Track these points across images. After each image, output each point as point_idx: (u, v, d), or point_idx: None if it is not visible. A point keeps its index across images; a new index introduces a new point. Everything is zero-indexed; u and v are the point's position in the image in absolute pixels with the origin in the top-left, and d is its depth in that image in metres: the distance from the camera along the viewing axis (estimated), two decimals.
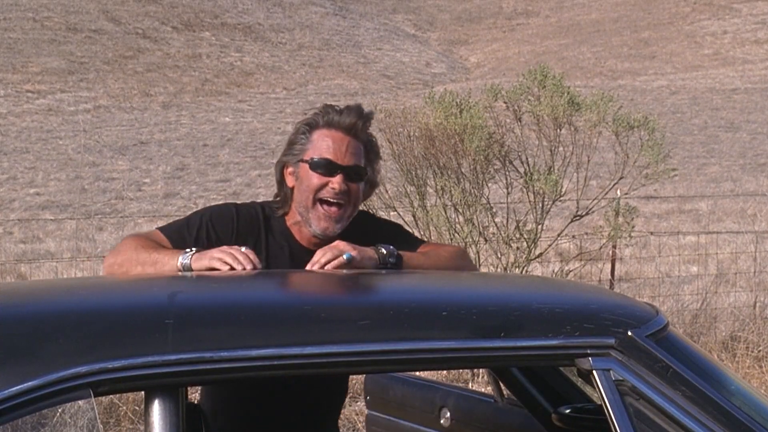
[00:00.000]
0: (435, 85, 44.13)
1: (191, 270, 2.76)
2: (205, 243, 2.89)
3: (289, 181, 3.02)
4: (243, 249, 2.76)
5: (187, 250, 2.80)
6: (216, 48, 60.59)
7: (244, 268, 2.72)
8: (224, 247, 2.77)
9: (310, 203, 2.96)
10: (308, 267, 2.85)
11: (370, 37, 68.96)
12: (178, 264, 2.77)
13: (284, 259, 2.97)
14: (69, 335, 2.09)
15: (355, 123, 2.97)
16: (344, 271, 2.82)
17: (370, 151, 3.04)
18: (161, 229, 2.97)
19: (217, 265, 2.73)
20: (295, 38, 65.27)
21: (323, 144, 2.96)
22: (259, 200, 3.17)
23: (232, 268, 2.72)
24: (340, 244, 2.86)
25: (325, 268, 2.80)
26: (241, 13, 67.17)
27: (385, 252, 2.91)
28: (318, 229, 2.96)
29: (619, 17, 71.36)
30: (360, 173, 2.99)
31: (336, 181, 2.94)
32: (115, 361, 2.04)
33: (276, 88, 54.42)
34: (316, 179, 2.95)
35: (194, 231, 2.93)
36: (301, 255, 2.98)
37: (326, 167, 2.94)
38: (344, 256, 2.82)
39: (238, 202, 3.14)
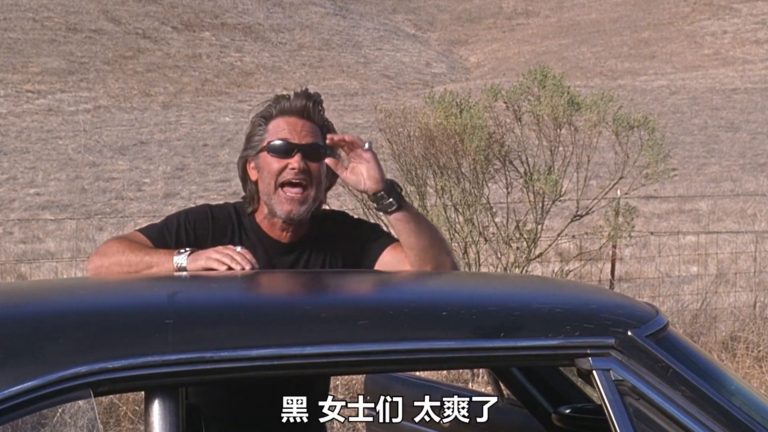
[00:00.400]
0: (435, 85, 44.12)
1: (186, 270, 2.76)
2: (184, 244, 2.90)
3: (253, 175, 3.03)
4: (239, 248, 2.77)
5: (182, 250, 2.80)
6: (216, 48, 60.58)
7: (243, 268, 2.72)
8: (220, 248, 2.78)
9: (272, 189, 2.97)
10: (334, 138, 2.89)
11: (370, 37, 68.96)
12: (174, 265, 2.77)
13: (260, 256, 2.95)
14: (69, 335, 2.09)
15: (305, 105, 3.00)
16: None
17: (325, 130, 3.04)
18: (141, 231, 2.97)
19: (214, 265, 2.73)
20: (295, 38, 65.27)
21: (278, 130, 2.99)
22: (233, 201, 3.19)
23: (230, 268, 2.72)
24: (352, 137, 2.91)
25: (254, 265, 2.78)
26: (241, 13, 67.17)
27: (391, 184, 2.94)
28: (282, 213, 2.96)
29: (619, 17, 71.35)
30: (318, 151, 2.98)
31: (295, 161, 2.94)
32: (115, 361, 2.04)
33: (276, 88, 54.37)
34: (275, 163, 2.96)
35: (173, 232, 2.94)
36: (275, 249, 3.00)
37: (283, 149, 2.96)
38: (366, 145, 2.88)
39: (212, 204, 3.17)
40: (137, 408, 6.78)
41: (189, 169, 30.63)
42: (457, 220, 8.79)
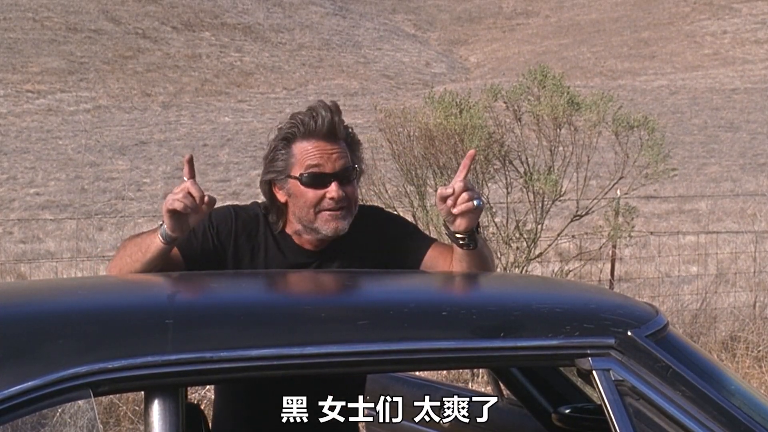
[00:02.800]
0: (435, 85, 44.12)
1: (169, 235, 2.71)
2: (209, 245, 2.87)
3: (280, 196, 2.92)
4: (188, 181, 2.69)
5: (160, 223, 2.75)
6: (216, 48, 60.59)
7: (195, 201, 2.67)
8: (174, 192, 2.72)
9: (312, 216, 2.87)
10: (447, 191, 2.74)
11: (370, 37, 68.95)
12: (159, 238, 2.73)
13: (282, 261, 2.93)
14: (69, 335, 2.09)
15: (332, 124, 2.87)
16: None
17: (351, 144, 2.94)
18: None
19: (175, 206, 2.68)
20: (295, 38, 65.27)
21: (307, 157, 2.86)
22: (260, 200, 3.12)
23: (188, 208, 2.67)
24: (464, 187, 2.76)
25: (457, 209, 2.72)
26: (241, 13, 67.17)
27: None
28: (329, 231, 2.88)
29: (619, 17, 71.35)
30: (351, 174, 2.90)
31: (332, 191, 2.85)
32: (115, 361, 2.04)
33: (276, 88, 54.44)
34: (311, 194, 2.86)
35: (199, 234, 2.89)
36: (300, 256, 2.95)
37: (318, 180, 2.85)
38: (475, 202, 2.75)
39: (239, 203, 3.11)
40: (137, 408, 6.78)
41: None
42: None
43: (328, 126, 2.85)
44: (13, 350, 2.04)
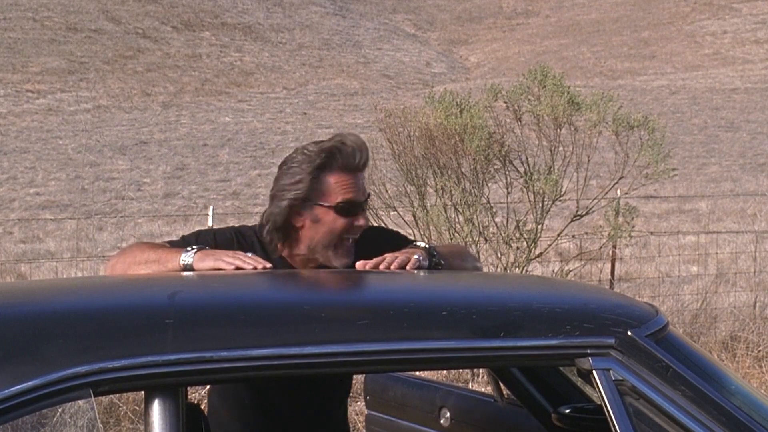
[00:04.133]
0: (435, 85, 44.13)
1: (192, 269, 2.77)
2: None
3: (298, 221, 2.99)
4: (250, 254, 2.79)
5: (188, 248, 2.81)
6: (216, 48, 60.59)
7: (255, 268, 2.74)
8: (230, 252, 2.80)
9: (336, 242, 2.98)
10: (369, 266, 2.88)
11: (370, 37, 68.96)
12: (180, 262, 2.78)
13: None
14: (69, 335, 2.09)
15: (365, 159, 3.01)
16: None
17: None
18: (170, 242, 2.98)
19: (222, 266, 2.74)
20: (295, 38, 65.27)
21: (345, 188, 2.98)
22: (258, 212, 3.23)
23: (239, 269, 2.74)
24: (409, 252, 2.93)
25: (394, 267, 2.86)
26: (241, 13, 67.17)
27: (427, 246, 3.02)
28: (339, 264, 2.99)
29: (619, 17, 71.36)
30: (368, 201, 3.08)
31: (362, 219, 3.00)
32: (115, 361, 2.04)
33: (276, 88, 54.44)
34: (341, 222, 2.97)
35: (206, 244, 2.94)
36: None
37: (352, 209, 2.98)
38: (414, 257, 2.90)
39: (236, 225, 3.20)
40: (137, 408, 6.78)
41: (189, 168, 30.63)
42: (457, 220, 8.79)
43: (364, 161, 3.01)
44: (13, 350, 2.04)
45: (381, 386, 4.08)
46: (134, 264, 2.83)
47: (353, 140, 3.00)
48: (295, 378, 2.98)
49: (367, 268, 2.84)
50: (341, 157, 2.96)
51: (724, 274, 10.97)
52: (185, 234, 3.06)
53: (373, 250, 2.99)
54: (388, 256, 2.89)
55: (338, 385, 3.16)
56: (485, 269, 8.65)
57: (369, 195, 3.08)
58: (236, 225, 3.19)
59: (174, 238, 3.09)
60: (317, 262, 3.02)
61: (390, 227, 3.64)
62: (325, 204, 2.96)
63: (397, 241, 3.13)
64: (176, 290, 2.48)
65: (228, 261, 2.75)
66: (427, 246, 3.03)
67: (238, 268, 2.73)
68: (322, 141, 3.03)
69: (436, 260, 2.98)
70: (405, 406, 4.00)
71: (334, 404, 3.17)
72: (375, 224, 3.57)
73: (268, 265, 2.79)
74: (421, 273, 2.93)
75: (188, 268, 2.78)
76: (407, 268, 2.87)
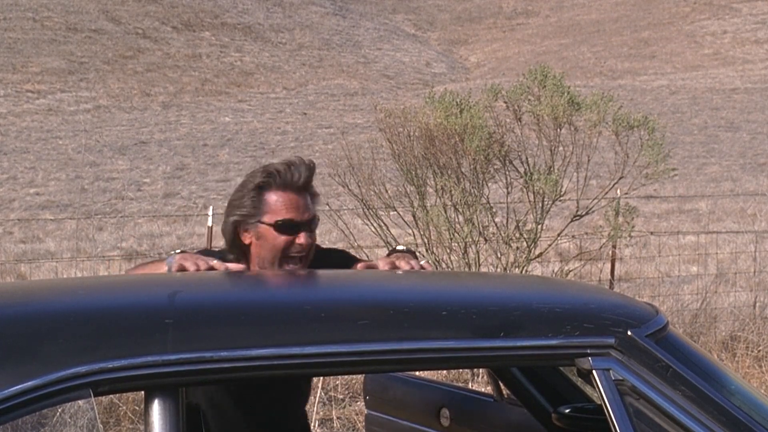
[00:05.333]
0: (435, 85, 44.11)
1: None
2: None
3: (245, 238, 3.11)
4: (214, 261, 2.85)
5: (172, 252, 2.91)
6: (216, 48, 60.58)
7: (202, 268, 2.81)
8: (188, 254, 2.88)
9: (277, 261, 3.07)
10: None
11: (370, 37, 68.95)
12: (166, 266, 2.87)
13: None
14: (69, 335, 2.09)
15: (307, 179, 3.11)
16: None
17: (313, 197, 3.17)
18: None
19: (187, 266, 2.82)
20: (295, 38, 65.26)
21: (281, 206, 3.08)
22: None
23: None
24: (408, 257, 3.00)
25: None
26: (241, 13, 67.16)
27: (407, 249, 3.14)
28: None
29: (619, 17, 71.34)
30: (316, 223, 3.14)
31: (303, 238, 3.07)
32: (115, 361, 2.04)
33: (276, 88, 54.43)
34: (281, 240, 3.06)
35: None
36: None
37: (291, 228, 3.06)
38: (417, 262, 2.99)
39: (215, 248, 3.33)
40: (137, 408, 6.78)
41: (189, 169, 30.63)
42: (457, 220, 8.79)
43: (304, 181, 3.10)
44: (13, 350, 2.04)
45: (381, 386, 4.08)
46: None
47: (299, 161, 3.12)
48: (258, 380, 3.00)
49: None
50: (280, 176, 3.08)
51: (724, 274, 10.97)
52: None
53: (313, 262, 3.12)
54: (387, 263, 2.97)
55: (295, 390, 3.24)
56: (485, 269, 8.66)
57: (315, 216, 3.13)
58: (203, 249, 3.34)
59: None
60: None
61: (344, 248, 3.73)
62: (266, 222, 3.07)
63: (338, 258, 3.23)
64: (176, 290, 2.48)
65: (181, 264, 2.82)
66: (407, 249, 3.13)
67: (180, 269, 2.80)
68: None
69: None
70: (405, 406, 4.00)
71: (292, 409, 3.25)
72: (331, 246, 3.67)
73: (214, 261, 2.84)
74: (421, 273, 2.93)
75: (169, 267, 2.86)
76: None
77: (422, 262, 3.03)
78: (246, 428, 3.14)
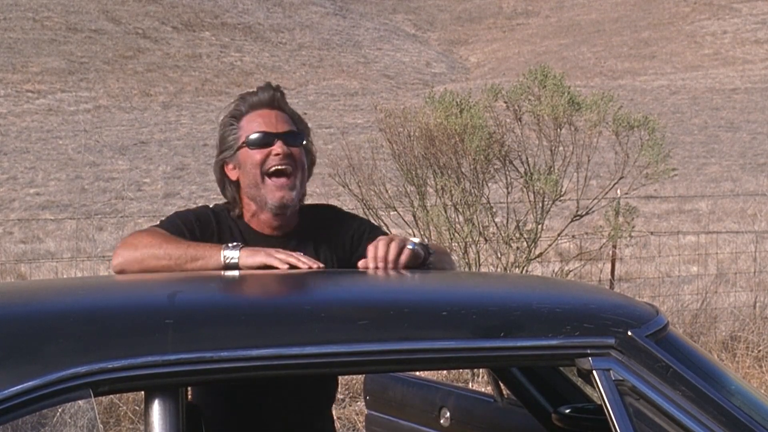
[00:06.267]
0: (435, 85, 44.10)
1: (237, 266, 2.74)
2: (198, 239, 2.91)
3: (233, 175, 3.01)
4: (302, 254, 2.76)
5: (230, 244, 2.79)
6: (216, 48, 60.59)
7: (310, 268, 2.72)
8: (282, 250, 2.77)
9: (259, 179, 2.95)
10: (369, 264, 2.80)
11: (370, 37, 68.96)
12: (222, 258, 2.75)
13: None
14: (69, 335, 2.09)
15: (273, 95, 3.01)
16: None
17: (298, 122, 3.06)
18: (159, 226, 2.95)
19: (275, 263, 2.72)
20: (295, 38, 65.27)
21: (253, 123, 2.98)
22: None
23: (291, 267, 2.71)
24: (392, 236, 2.86)
25: (400, 262, 2.77)
26: (241, 13, 67.17)
27: (419, 241, 2.92)
28: (274, 201, 2.95)
29: (619, 17, 71.35)
30: (297, 137, 3.00)
31: (278, 147, 2.94)
32: (115, 361, 2.04)
33: None
34: (257, 155, 2.95)
35: (189, 227, 2.94)
36: (268, 245, 2.93)
37: (263, 139, 2.95)
38: (409, 246, 2.81)
39: (210, 205, 3.16)
40: (137, 408, 6.78)
41: (189, 168, 30.64)
42: (457, 220, 8.79)
43: (270, 97, 3.00)
44: (13, 350, 2.04)
45: (381, 386, 4.08)
46: (152, 259, 2.78)
47: (265, 85, 3.06)
48: (280, 380, 2.96)
49: (370, 264, 2.78)
50: (245, 100, 3.02)
51: (724, 274, 10.97)
52: (163, 219, 3.03)
53: (329, 228, 3.02)
54: (382, 241, 2.81)
55: (321, 390, 3.10)
56: (485, 269, 8.65)
57: (294, 131, 3.00)
58: (206, 205, 3.18)
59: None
60: (269, 216, 2.98)
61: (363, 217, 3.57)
62: (241, 145, 2.98)
63: (358, 227, 3.08)
64: (176, 290, 2.48)
65: (281, 258, 2.72)
66: (420, 241, 2.96)
67: (292, 267, 2.71)
68: None
69: (425, 251, 2.90)
70: (405, 406, 4.00)
71: (317, 410, 3.10)
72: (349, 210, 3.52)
73: (321, 264, 2.76)
74: (421, 273, 2.92)
75: (232, 265, 2.75)
76: (402, 256, 2.79)
77: (414, 240, 2.88)
78: (268, 430, 3.02)
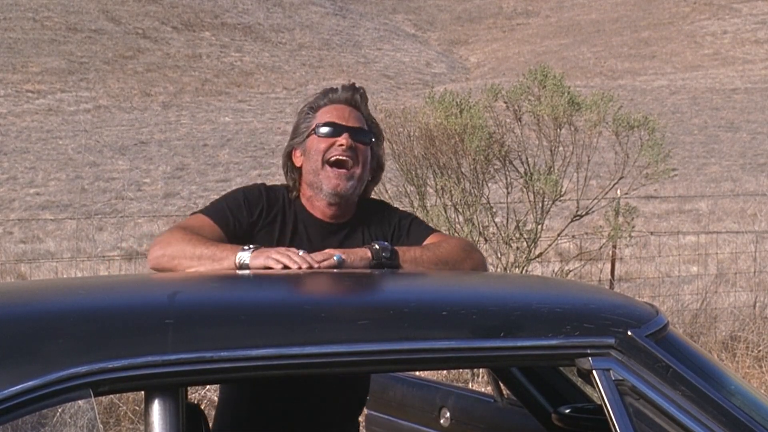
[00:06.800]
0: (435, 85, 44.10)
1: (248, 267, 2.77)
2: (242, 222, 2.98)
3: (298, 161, 3.10)
4: (301, 252, 2.79)
5: (245, 247, 2.82)
6: (216, 48, 60.59)
7: (300, 268, 2.74)
8: (281, 248, 2.81)
9: (319, 165, 3.03)
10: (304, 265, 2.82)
11: (370, 37, 68.96)
12: (236, 260, 2.79)
13: (305, 236, 3.05)
14: (69, 335, 2.09)
15: (353, 95, 3.11)
16: (335, 270, 2.82)
17: (372, 125, 3.15)
18: (202, 212, 3.02)
19: (271, 264, 2.75)
20: (295, 38, 65.27)
21: (326, 114, 3.08)
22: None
23: (286, 267, 2.74)
24: (329, 249, 2.88)
25: (317, 266, 2.79)
26: (241, 13, 67.16)
27: (378, 248, 2.90)
28: (329, 188, 3.02)
29: (619, 17, 71.35)
30: (366, 135, 3.08)
31: (342, 138, 3.02)
32: (115, 361, 2.04)
33: (276, 88, 54.45)
34: (323, 143, 3.03)
35: (235, 211, 3.00)
36: (322, 229, 3.06)
37: (332, 129, 3.04)
38: (334, 258, 2.83)
39: (268, 184, 3.22)
40: (137, 408, 6.78)
41: (189, 169, 30.64)
42: (457, 220, 8.79)
43: (350, 95, 3.11)
44: (13, 350, 2.04)
45: (381, 386, 4.08)
46: (183, 259, 2.83)
47: (350, 84, 3.15)
48: (307, 385, 2.97)
49: (304, 267, 2.77)
50: (327, 95, 3.12)
51: (724, 274, 10.97)
52: (214, 201, 3.09)
53: (377, 222, 3.09)
54: (314, 256, 2.82)
55: (352, 394, 3.12)
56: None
57: (365, 130, 3.09)
58: (263, 183, 3.23)
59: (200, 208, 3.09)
60: (323, 203, 3.05)
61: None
62: (310, 132, 3.07)
63: (404, 222, 3.13)
64: (176, 290, 2.48)
65: (276, 258, 2.75)
66: (384, 244, 2.92)
67: (285, 267, 2.74)
68: None
69: (385, 259, 2.88)
70: (405, 406, 4.00)
71: (348, 415, 3.12)
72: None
73: (315, 264, 2.77)
74: (421, 274, 2.92)
75: (244, 266, 2.78)
76: (324, 262, 2.80)
77: (376, 246, 2.88)
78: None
